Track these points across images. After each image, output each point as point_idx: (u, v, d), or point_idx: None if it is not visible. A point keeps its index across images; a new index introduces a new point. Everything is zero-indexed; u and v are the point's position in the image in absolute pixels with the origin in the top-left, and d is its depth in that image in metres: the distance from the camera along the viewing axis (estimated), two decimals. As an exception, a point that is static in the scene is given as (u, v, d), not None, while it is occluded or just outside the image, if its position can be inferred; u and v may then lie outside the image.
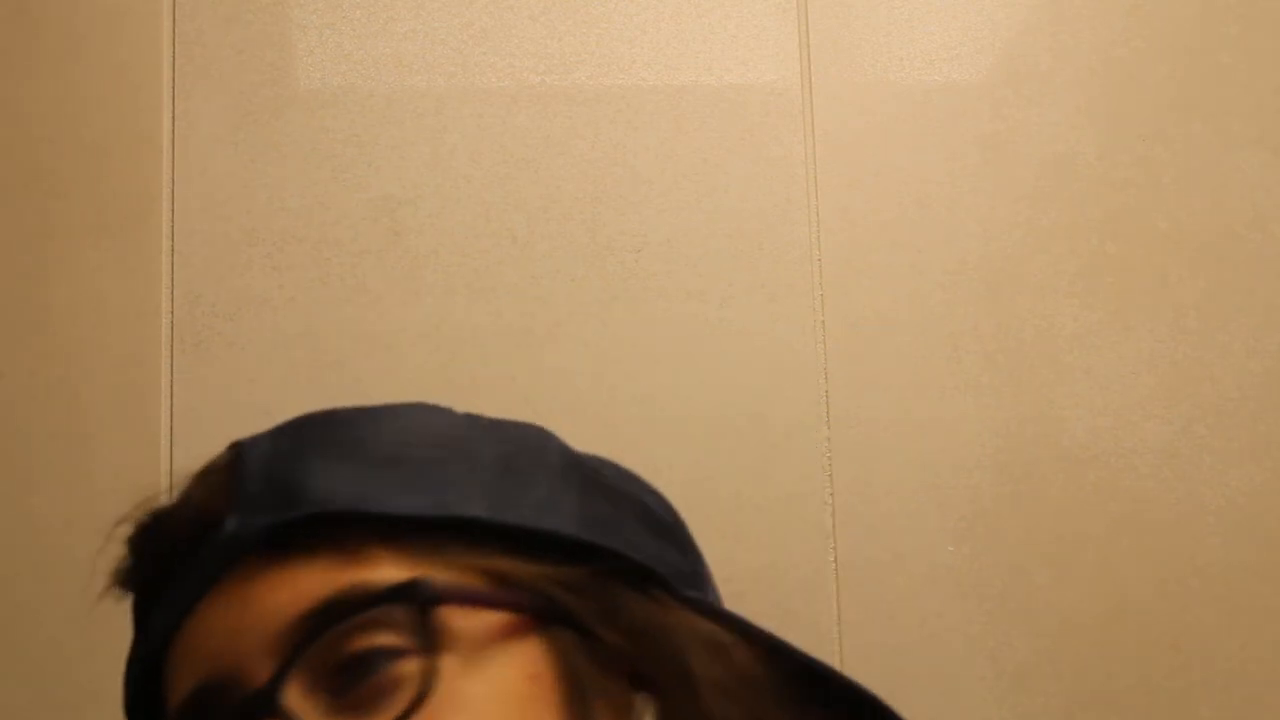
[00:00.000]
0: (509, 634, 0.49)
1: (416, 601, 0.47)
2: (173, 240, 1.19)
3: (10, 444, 1.14)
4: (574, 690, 0.49)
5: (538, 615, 0.49)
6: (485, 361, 1.18)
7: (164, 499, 0.55)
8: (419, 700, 0.46)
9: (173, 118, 1.21)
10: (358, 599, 0.47)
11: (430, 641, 0.47)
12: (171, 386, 1.16)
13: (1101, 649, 1.17)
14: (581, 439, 0.59)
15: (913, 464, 1.19)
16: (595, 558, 0.51)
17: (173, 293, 1.18)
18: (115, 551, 0.57)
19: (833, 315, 1.21)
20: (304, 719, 0.46)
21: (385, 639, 0.47)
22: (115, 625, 1.15)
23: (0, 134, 1.19)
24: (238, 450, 0.55)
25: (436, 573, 0.48)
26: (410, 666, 0.47)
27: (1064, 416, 1.21)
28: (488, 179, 1.21)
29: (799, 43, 1.25)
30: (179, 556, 0.52)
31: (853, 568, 1.17)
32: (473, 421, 0.55)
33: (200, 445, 1.14)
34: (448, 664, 0.47)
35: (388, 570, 0.48)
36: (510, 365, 1.18)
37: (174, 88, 1.21)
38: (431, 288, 1.19)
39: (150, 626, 0.53)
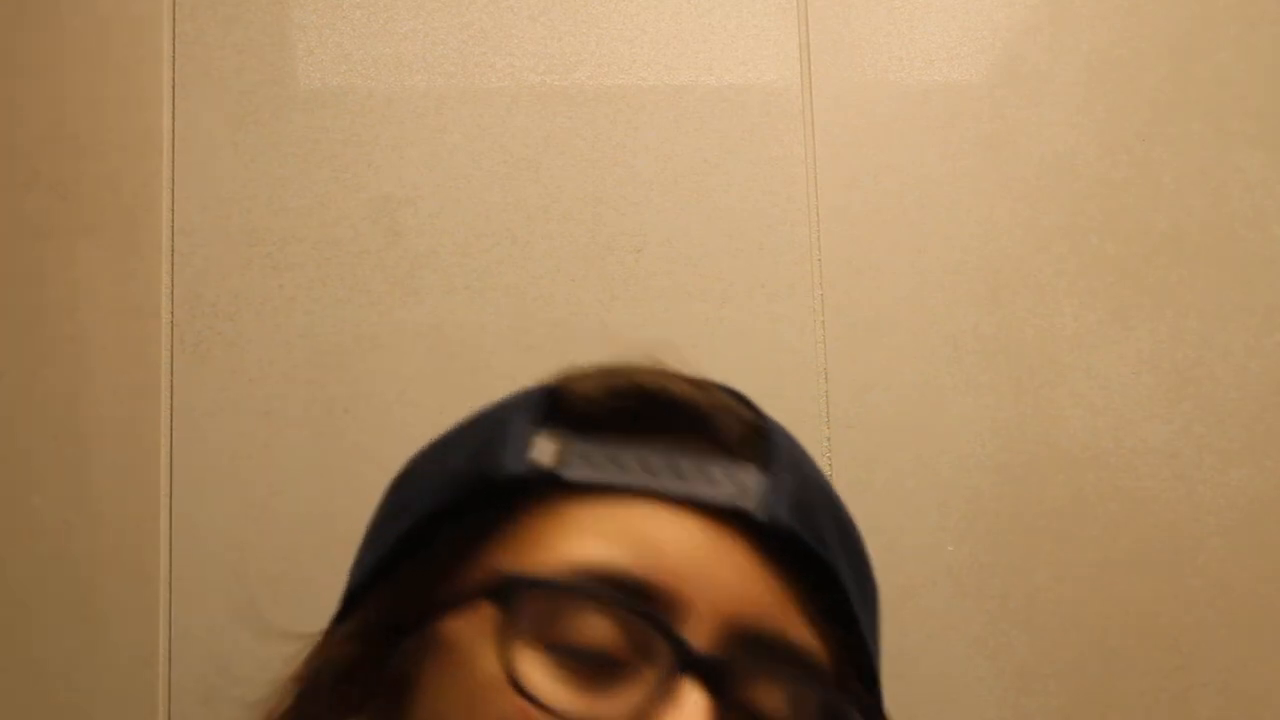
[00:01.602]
0: None
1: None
2: (173, 240, 1.19)
3: (10, 444, 1.14)
4: None
5: None
6: (485, 361, 1.18)
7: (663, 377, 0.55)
8: None
9: (173, 118, 1.21)
10: (815, 667, 0.51)
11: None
12: (171, 386, 1.16)
13: (1101, 649, 1.17)
14: (581, 439, 0.59)
15: (913, 464, 1.19)
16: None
17: (173, 293, 1.18)
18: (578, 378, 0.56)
19: (833, 315, 1.21)
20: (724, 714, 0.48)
21: (782, 714, 0.50)
22: (115, 625, 1.15)
23: (0, 133, 1.19)
24: (758, 415, 0.56)
25: (821, 654, 0.53)
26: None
27: (1064, 416, 1.21)
28: (488, 179, 1.21)
29: (799, 43, 1.26)
30: (671, 445, 0.51)
31: (853, 568, 1.17)
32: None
33: (200, 445, 1.15)
34: None
35: (808, 636, 0.52)
36: (510, 365, 1.18)
37: (174, 88, 1.21)
38: (431, 288, 1.19)
39: (580, 455, 0.51)
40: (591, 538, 0.49)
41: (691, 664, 0.47)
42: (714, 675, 0.47)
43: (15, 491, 1.14)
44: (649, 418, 0.53)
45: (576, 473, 0.50)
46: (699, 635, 0.48)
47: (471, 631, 0.49)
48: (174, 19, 1.22)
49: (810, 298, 1.21)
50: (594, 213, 1.21)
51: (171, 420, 1.16)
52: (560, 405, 0.54)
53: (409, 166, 1.21)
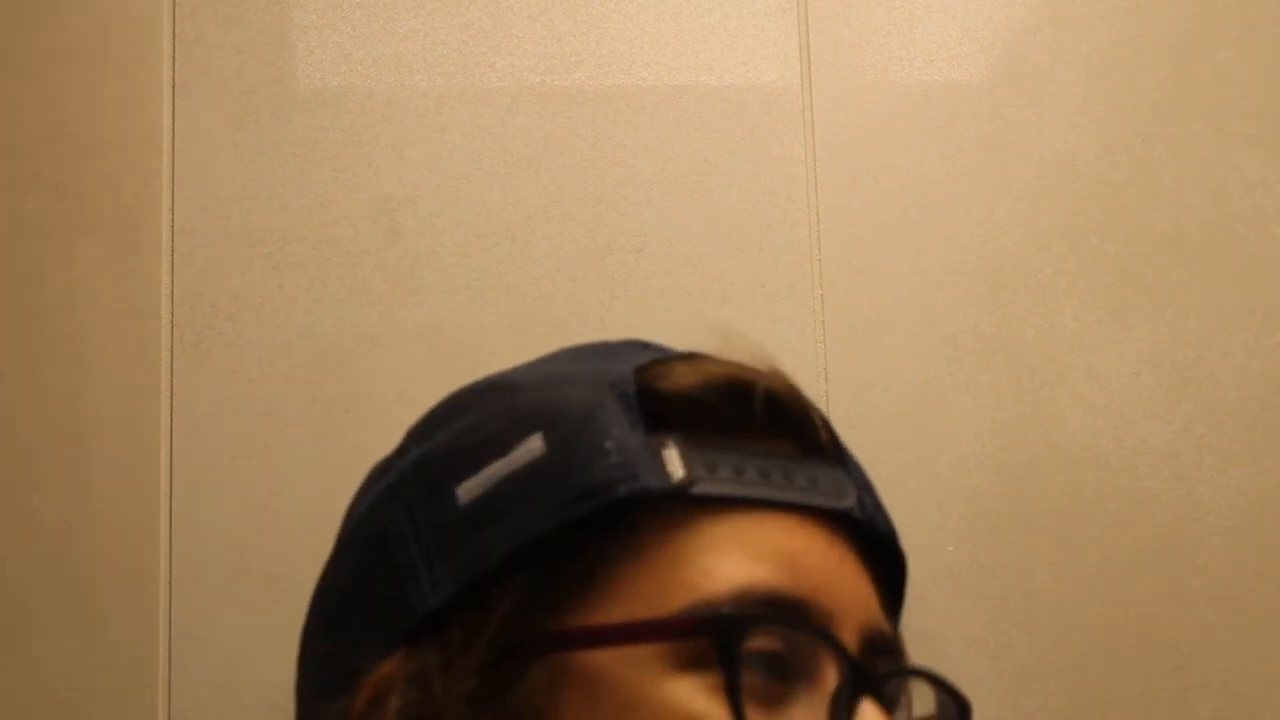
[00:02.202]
0: None
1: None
2: (173, 240, 1.19)
3: (10, 444, 1.14)
4: None
5: None
6: (485, 361, 1.18)
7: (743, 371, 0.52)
8: None
9: (173, 118, 1.21)
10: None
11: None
12: (171, 386, 1.16)
13: (1101, 649, 1.17)
14: (581, 439, 0.59)
15: (913, 464, 1.19)
16: None
17: (173, 293, 1.18)
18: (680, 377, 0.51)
19: (833, 315, 1.21)
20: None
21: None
22: (115, 625, 1.15)
23: (1, 133, 1.19)
24: (821, 411, 0.54)
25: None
26: None
27: (1064, 416, 1.21)
28: (488, 179, 1.21)
29: (799, 43, 1.25)
30: (785, 453, 0.50)
31: (853, 568, 1.17)
32: None
33: (200, 445, 1.15)
34: None
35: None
36: (510, 365, 1.18)
37: (174, 88, 1.21)
38: (431, 288, 1.19)
39: (702, 464, 0.48)
40: (737, 557, 0.47)
41: (866, 682, 0.47)
42: (879, 688, 0.47)
43: (15, 491, 1.14)
44: (751, 416, 0.50)
45: (707, 486, 0.48)
46: (849, 647, 0.48)
47: (627, 662, 0.45)
48: (174, 19, 1.22)
49: (810, 298, 1.21)
50: (594, 213, 1.21)
51: (171, 420, 1.16)
52: (662, 406, 0.50)
53: (409, 166, 1.21)
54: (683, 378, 0.50)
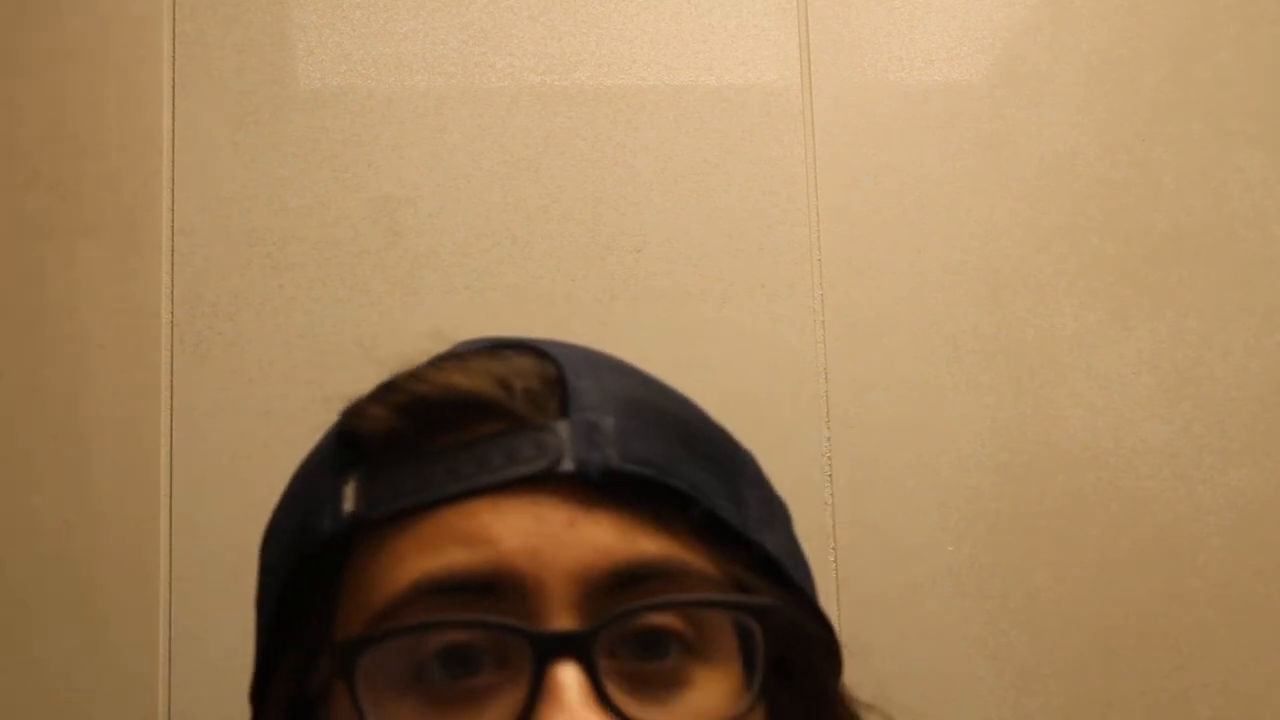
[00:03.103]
0: (728, 642, 0.50)
1: (757, 619, 0.49)
2: (173, 240, 1.19)
3: (10, 444, 1.14)
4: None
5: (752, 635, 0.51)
6: (485, 361, 1.18)
7: (421, 372, 0.54)
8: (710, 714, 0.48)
9: (173, 118, 1.21)
10: (693, 579, 0.49)
11: (713, 652, 0.49)
12: (171, 386, 1.16)
13: (1101, 649, 1.17)
14: (581, 439, 0.59)
15: (913, 464, 1.19)
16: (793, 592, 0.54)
17: (173, 293, 1.18)
18: (351, 397, 0.55)
19: (833, 315, 1.21)
20: (604, 679, 0.46)
21: (682, 627, 0.48)
22: (115, 625, 1.15)
23: (1, 133, 1.19)
24: (553, 364, 0.53)
25: (701, 564, 0.50)
26: (697, 670, 0.49)
27: (1064, 416, 1.21)
28: (488, 179, 1.21)
29: (799, 43, 1.26)
30: (475, 441, 0.50)
31: (853, 568, 1.17)
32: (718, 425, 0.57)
33: (200, 445, 1.15)
34: (706, 671, 0.49)
35: (674, 549, 0.50)
36: (510, 365, 1.18)
37: (174, 88, 1.21)
38: (431, 288, 1.19)
39: (384, 487, 0.51)
40: (419, 555, 0.48)
41: (549, 648, 0.46)
42: (579, 647, 0.46)
43: (15, 491, 1.14)
44: (443, 421, 0.51)
45: (387, 506, 0.50)
46: (559, 607, 0.47)
47: (346, 710, 0.48)
48: (174, 19, 1.22)
49: (810, 298, 1.21)
50: (594, 213, 1.21)
51: (171, 420, 1.16)
52: (354, 443, 0.53)
53: (409, 166, 1.21)
54: (371, 408, 0.54)
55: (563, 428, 0.50)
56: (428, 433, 0.51)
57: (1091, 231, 1.24)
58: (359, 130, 1.21)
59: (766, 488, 0.57)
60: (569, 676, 0.45)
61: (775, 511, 0.57)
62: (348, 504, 0.51)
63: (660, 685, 0.48)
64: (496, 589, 0.47)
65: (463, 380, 0.52)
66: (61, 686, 1.11)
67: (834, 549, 1.17)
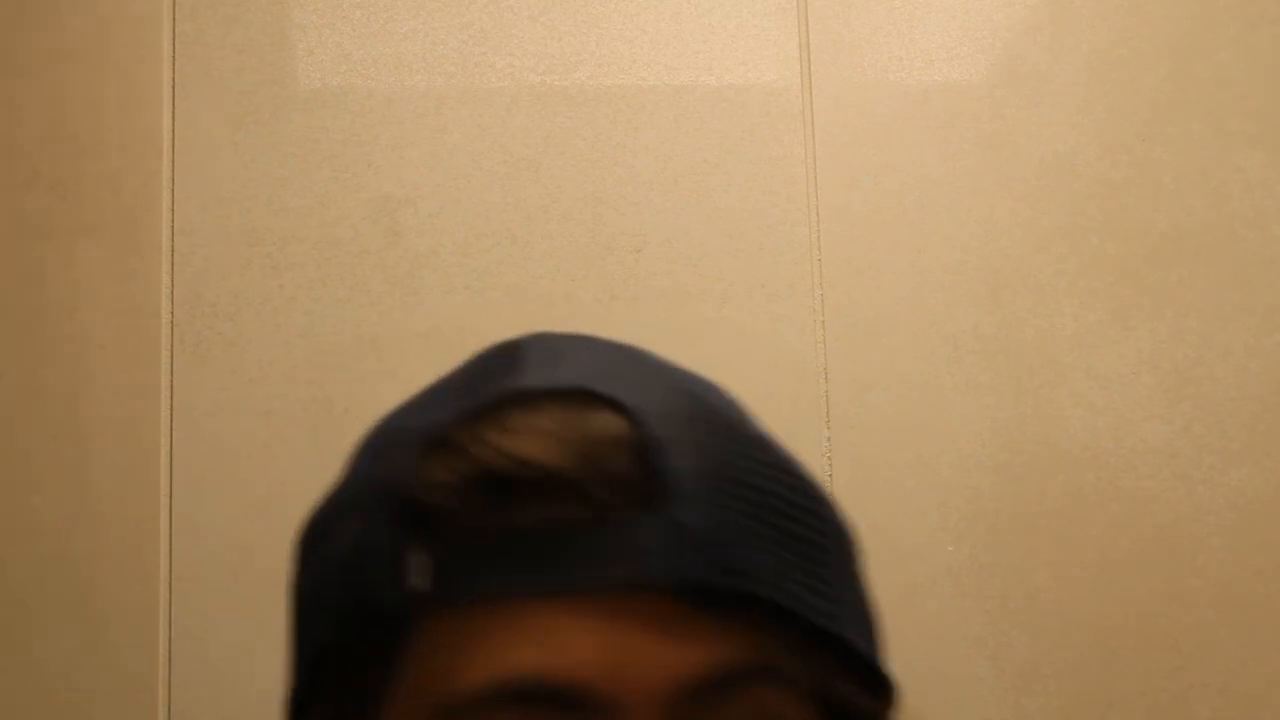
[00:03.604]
0: None
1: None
2: (173, 240, 1.19)
3: (10, 444, 1.14)
4: None
5: None
6: (485, 361, 1.18)
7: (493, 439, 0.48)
8: None
9: (173, 118, 1.21)
10: (783, 679, 0.46)
11: None
12: (171, 386, 1.16)
13: (1101, 649, 1.17)
14: (581, 439, 0.59)
15: (913, 464, 1.19)
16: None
17: (173, 293, 1.18)
18: (407, 463, 0.49)
19: (833, 315, 1.21)
20: None
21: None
22: (115, 625, 1.15)
23: (1, 133, 1.19)
24: (637, 427, 0.47)
25: (791, 668, 0.47)
26: None
27: (1064, 416, 1.21)
28: (488, 179, 1.21)
29: (799, 43, 1.26)
30: (557, 529, 0.46)
31: (853, 568, 1.17)
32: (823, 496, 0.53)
33: (200, 445, 1.15)
34: None
35: (764, 654, 0.47)
36: (510, 365, 1.18)
37: (174, 88, 1.21)
38: (431, 288, 1.19)
39: (455, 568, 0.46)
40: (493, 653, 0.45)
41: None
42: None
43: (15, 491, 1.14)
44: (519, 500, 0.46)
45: (459, 591, 0.46)
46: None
47: None
48: (174, 19, 1.22)
49: (810, 298, 1.21)
50: (594, 213, 1.21)
51: (171, 420, 1.16)
52: (416, 507, 0.48)
53: (409, 166, 1.21)
54: (436, 478, 0.48)
55: (655, 528, 0.45)
56: (502, 509, 0.46)
57: (1091, 231, 1.24)
58: (359, 130, 1.21)
59: (850, 556, 0.54)
60: None
61: (860, 592, 0.54)
62: (413, 578, 0.47)
63: None
64: (571, 704, 0.44)
65: (540, 453, 0.47)
66: (61, 686, 1.11)
67: (834, 549, 1.17)
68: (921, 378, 1.21)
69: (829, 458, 1.19)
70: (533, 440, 0.47)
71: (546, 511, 0.46)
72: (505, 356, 0.55)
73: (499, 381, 0.52)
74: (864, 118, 1.25)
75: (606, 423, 0.47)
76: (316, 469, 1.16)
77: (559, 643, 0.44)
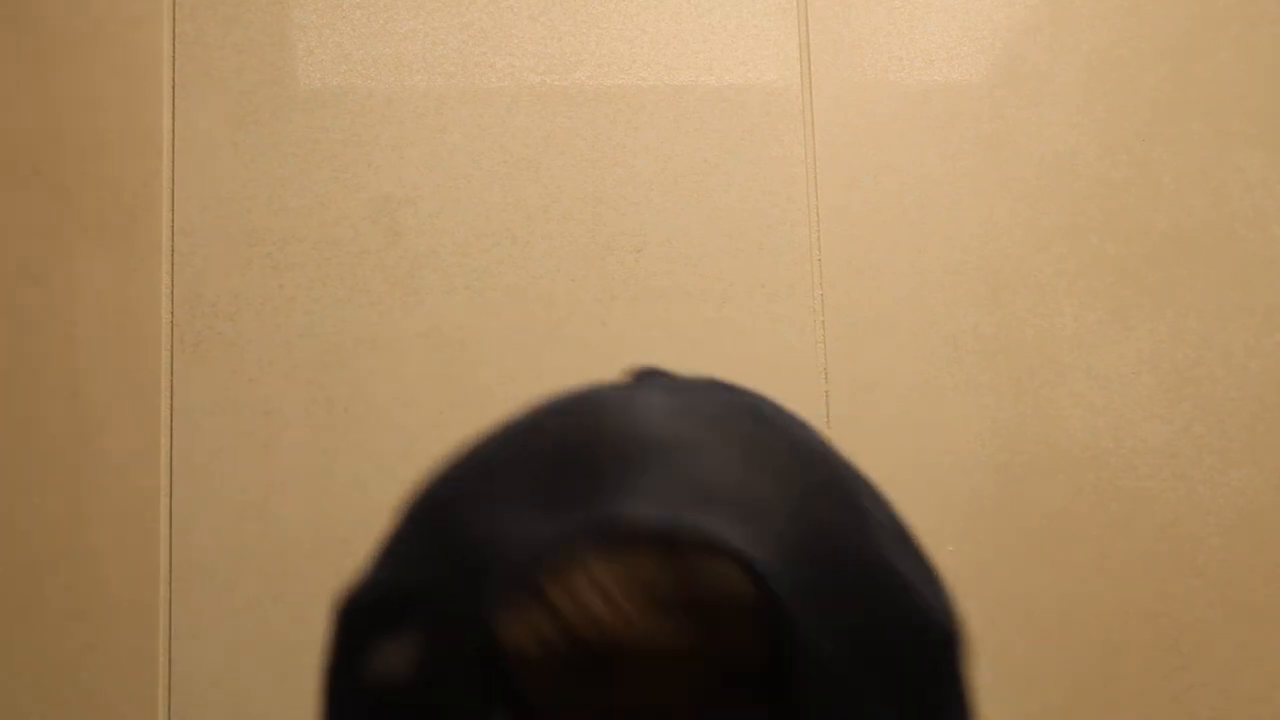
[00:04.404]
0: None
1: None
2: (173, 240, 1.19)
3: (10, 444, 1.14)
4: None
5: None
6: (485, 361, 1.18)
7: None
8: None
9: (173, 118, 1.21)
10: None
11: None
12: (171, 386, 1.16)
13: (1101, 649, 1.17)
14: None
15: (913, 464, 1.19)
16: None
17: (173, 293, 1.18)
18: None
19: (833, 315, 1.21)
20: None
21: None
22: (115, 625, 1.15)
23: (1, 133, 1.19)
24: (773, 617, 0.41)
25: None
26: None
27: (1064, 416, 1.21)
28: (488, 179, 1.22)
29: (799, 43, 1.26)
30: (653, 713, 0.40)
31: (853, 568, 1.17)
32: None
33: (200, 445, 1.15)
34: None
35: None
36: (510, 365, 1.18)
37: (174, 88, 1.21)
38: (431, 288, 1.19)
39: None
40: None
41: None
42: None
43: (15, 491, 1.14)
44: (618, 678, 0.40)
45: None
46: None
47: None
48: (174, 19, 1.22)
49: (810, 298, 1.22)
50: (594, 213, 1.22)
51: (171, 420, 1.16)
52: (502, 665, 0.42)
53: (409, 166, 1.21)
54: (525, 641, 0.41)
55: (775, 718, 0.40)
56: (599, 686, 0.41)
57: (1091, 231, 1.24)
58: (359, 130, 1.21)
59: (955, 660, 0.48)
60: None
61: (962, 695, 0.48)
62: None
63: None
64: None
65: (645, 624, 0.40)
66: (62, 686, 1.11)
67: (834, 549, 1.17)
68: (921, 378, 1.21)
69: (829, 458, 1.19)
70: (634, 604, 0.40)
71: (652, 695, 0.40)
72: (588, 436, 0.46)
73: (586, 484, 0.44)
74: (864, 118, 1.25)
75: (724, 581, 0.41)
76: (316, 469, 1.16)
77: None
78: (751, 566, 0.40)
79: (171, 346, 1.17)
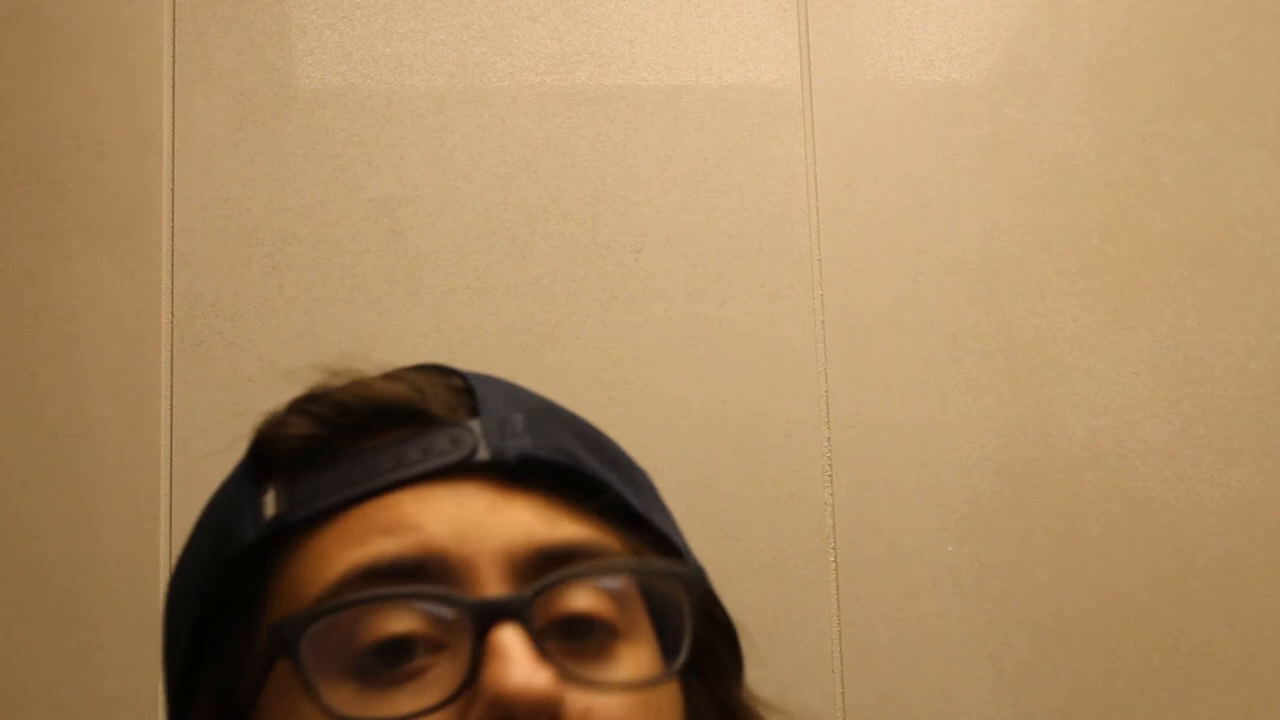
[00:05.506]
0: (645, 622, 0.53)
1: (683, 586, 0.51)
2: (173, 240, 1.19)
3: (10, 444, 1.14)
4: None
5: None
6: (485, 361, 1.18)
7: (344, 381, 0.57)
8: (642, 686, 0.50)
9: (173, 118, 1.21)
10: (613, 557, 0.51)
11: (640, 626, 0.51)
12: (171, 386, 1.16)
13: (1101, 649, 1.17)
14: (581, 439, 0.59)
15: (913, 464, 1.19)
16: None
17: (173, 293, 1.18)
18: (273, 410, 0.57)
19: (833, 315, 1.21)
20: (542, 641, 0.48)
21: (605, 609, 0.50)
22: (115, 625, 1.15)
23: (1, 133, 1.19)
24: (459, 378, 0.56)
25: (615, 545, 0.52)
26: (621, 648, 0.50)
27: (1064, 416, 1.21)
28: (488, 179, 1.22)
29: (799, 43, 1.26)
30: (392, 441, 0.52)
31: (853, 568, 1.17)
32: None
33: (200, 445, 1.15)
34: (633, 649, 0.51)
35: (590, 532, 0.52)
36: (510, 365, 1.18)
37: (174, 88, 1.21)
38: (431, 288, 1.19)
39: (305, 490, 0.52)
40: (347, 548, 0.50)
41: (489, 613, 0.47)
42: (518, 610, 0.48)
43: (15, 491, 1.14)
44: (360, 427, 0.54)
45: (309, 506, 0.51)
46: (491, 583, 0.49)
47: (282, 696, 0.49)
48: (174, 19, 1.22)
49: (810, 298, 1.21)
50: (594, 213, 1.22)
51: (171, 420, 1.16)
52: (272, 453, 0.55)
53: (409, 166, 1.21)
54: (292, 420, 0.56)
55: (475, 424, 0.52)
56: (346, 438, 0.53)
57: (1091, 231, 1.24)
58: (359, 130, 1.21)
59: (659, 496, 0.59)
60: (511, 636, 0.47)
61: (668, 514, 0.59)
62: (269, 509, 0.52)
63: (588, 660, 0.49)
64: (426, 572, 0.49)
65: (378, 387, 0.55)
66: (62, 686, 1.11)
67: (834, 549, 1.17)
68: (921, 378, 1.21)
69: (829, 458, 1.19)
70: (374, 384, 0.55)
71: (384, 434, 0.53)
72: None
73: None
74: (864, 118, 1.25)
75: (434, 375, 0.56)
76: (316, 469, 1.16)
77: (403, 524, 0.49)
78: (459, 372, 0.56)
79: (171, 346, 1.17)
